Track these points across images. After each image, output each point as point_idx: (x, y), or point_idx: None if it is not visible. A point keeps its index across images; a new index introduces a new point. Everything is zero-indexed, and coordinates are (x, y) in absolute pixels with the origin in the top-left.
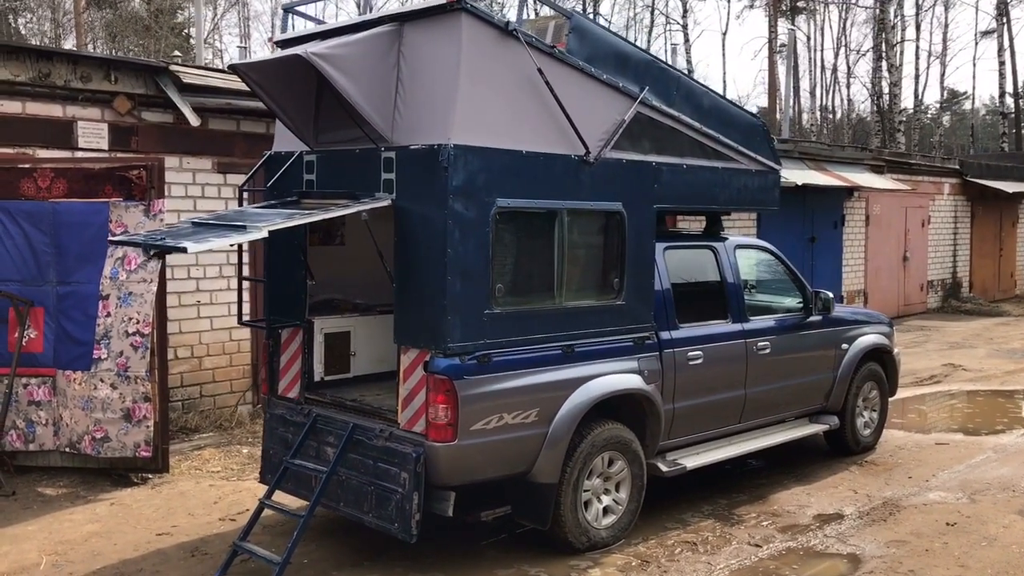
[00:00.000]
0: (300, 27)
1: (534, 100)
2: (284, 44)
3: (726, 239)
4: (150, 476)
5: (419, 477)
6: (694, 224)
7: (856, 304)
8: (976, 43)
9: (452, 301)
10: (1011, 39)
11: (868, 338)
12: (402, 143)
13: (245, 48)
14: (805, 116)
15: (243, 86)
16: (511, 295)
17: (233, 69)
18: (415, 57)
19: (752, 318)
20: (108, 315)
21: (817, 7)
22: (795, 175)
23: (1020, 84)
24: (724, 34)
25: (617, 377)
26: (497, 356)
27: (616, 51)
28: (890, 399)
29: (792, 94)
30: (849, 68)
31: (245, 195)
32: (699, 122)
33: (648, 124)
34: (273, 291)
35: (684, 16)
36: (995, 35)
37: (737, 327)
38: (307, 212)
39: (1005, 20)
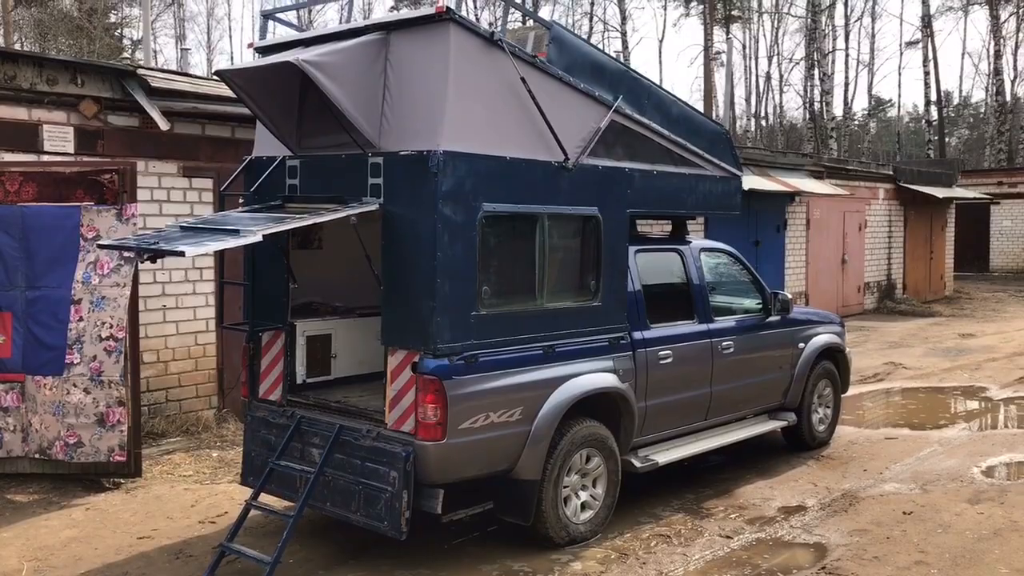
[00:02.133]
0: (280, 33)
1: (517, 108)
2: (264, 51)
3: (691, 242)
4: (123, 481)
5: (409, 475)
6: (650, 229)
7: (799, 305)
8: (901, 53)
9: (441, 303)
10: (934, 50)
11: (822, 337)
12: (390, 149)
13: (187, 51)
14: (740, 123)
15: (209, 90)
16: (496, 297)
17: (220, 75)
18: (402, 65)
19: (716, 318)
20: (81, 320)
21: (751, 16)
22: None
23: (944, 93)
24: (661, 41)
25: (594, 376)
26: (483, 356)
27: (592, 61)
28: (842, 396)
29: (728, 101)
30: (782, 76)
31: (226, 199)
32: (668, 130)
33: (622, 132)
34: (255, 295)
35: (623, 23)
36: (919, 46)
37: (703, 327)
38: (298, 216)
39: (928, 32)
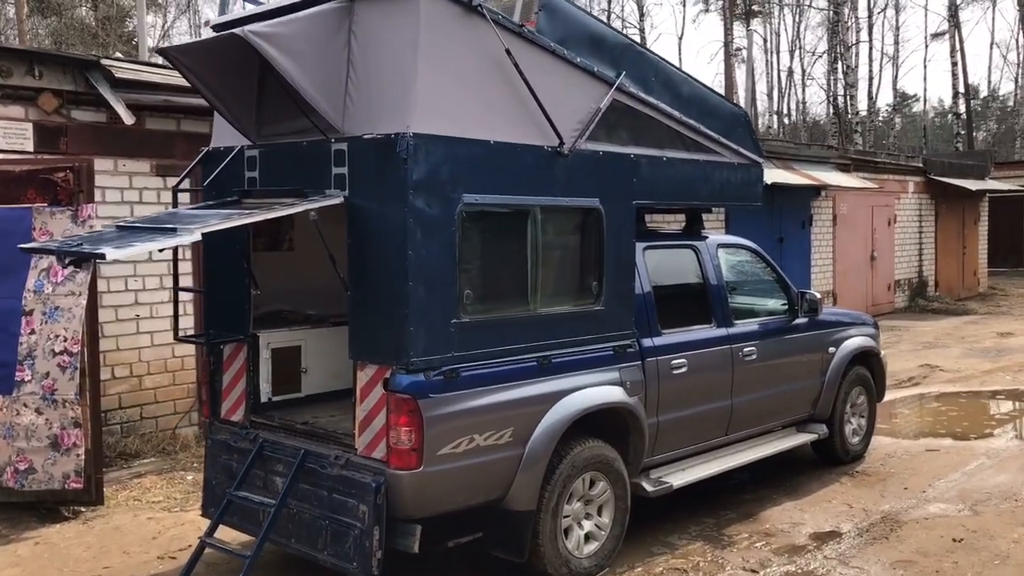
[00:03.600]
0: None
1: (502, 85)
2: (221, 28)
3: (707, 238)
4: (82, 509)
5: (380, 509)
6: (658, 223)
7: (827, 305)
8: (927, 46)
9: (415, 310)
10: (961, 41)
11: (855, 340)
12: (355, 133)
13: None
14: (762, 119)
15: (184, 82)
16: (481, 302)
17: (162, 53)
18: (368, 37)
19: (737, 322)
20: (32, 332)
21: (772, 10)
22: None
23: (971, 87)
24: (680, 38)
25: (598, 390)
26: (466, 370)
27: (590, 32)
28: (877, 404)
29: (750, 97)
30: (804, 70)
31: (183, 196)
32: (679, 111)
33: (625, 113)
34: (213, 302)
35: (641, 20)
36: (946, 37)
37: (722, 332)
38: (246, 212)
39: (955, 22)
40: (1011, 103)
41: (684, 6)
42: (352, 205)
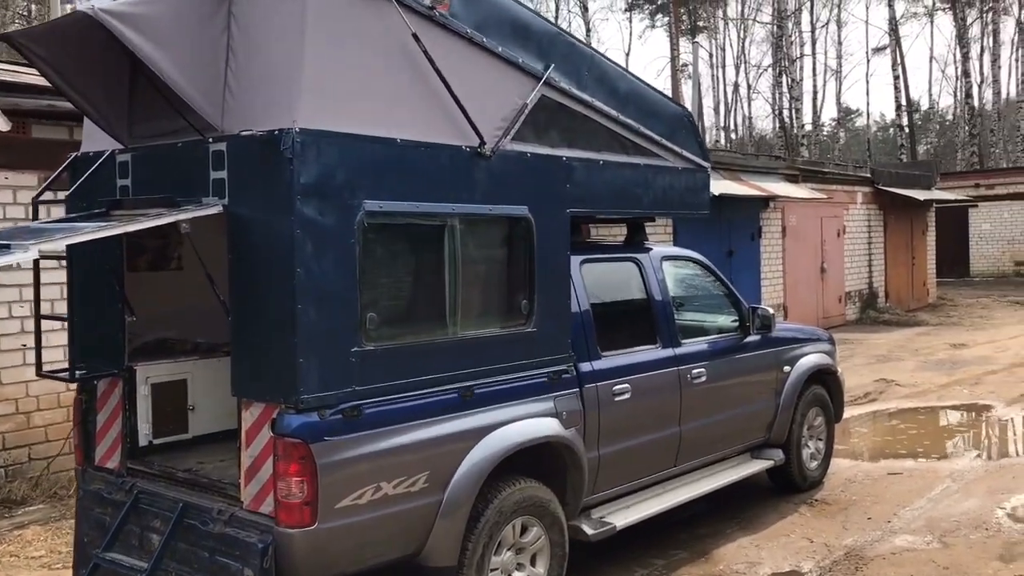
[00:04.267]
0: None
1: (410, 76)
2: None
3: (651, 250)
4: None
5: (267, 575)
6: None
7: (779, 320)
8: (868, 60)
9: (305, 337)
10: (902, 55)
11: (811, 358)
12: (236, 131)
13: None
14: (709, 134)
15: None
16: (388, 326)
17: (7, 40)
18: (250, 20)
19: (684, 341)
20: None
21: (717, 25)
22: (711, 185)
23: (912, 99)
24: (627, 54)
25: (529, 423)
26: (371, 407)
27: (513, 19)
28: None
29: (696, 112)
30: (750, 85)
31: (49, 209)
32: (616, 110)
33: (556, 110)
34: (81, 332)
35: (587, 35)
36: (887, 51)
37: (668, 353)
38: (103, 225)
39: (896, 36)
40: (951, 116)
41: (631, 22)
42: (232, 215)
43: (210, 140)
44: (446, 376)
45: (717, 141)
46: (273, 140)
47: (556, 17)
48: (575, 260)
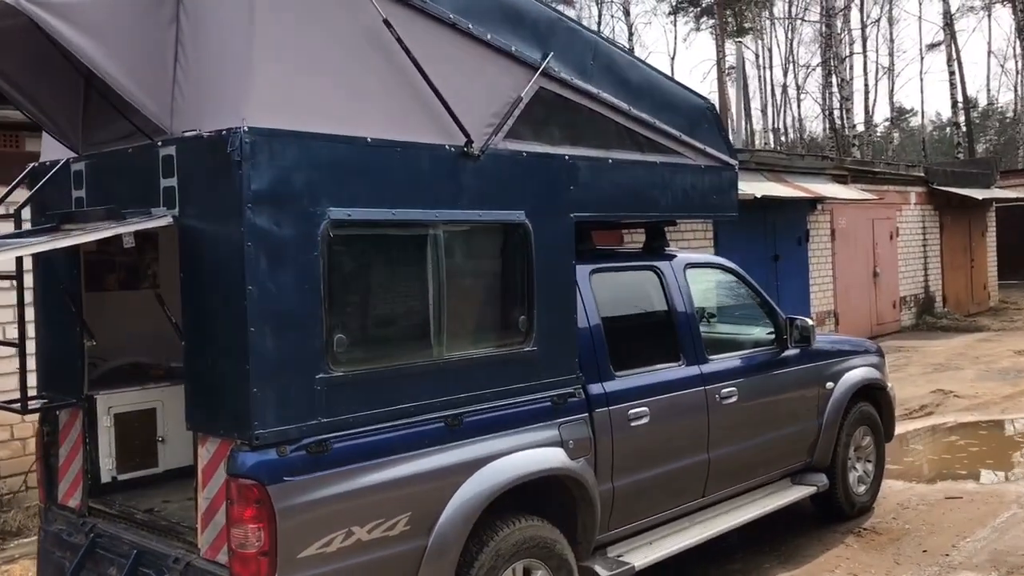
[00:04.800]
0: None
1: (383, 68)
2: None
3: (673, 256)
4: None
5: None
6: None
7: (825, 328)
8: (922, 57)
9: (259, 364)
10: (958, 51)
11: (857, 372)
12: (186, 133)
13: None
14: (757, 137)
15: None
16: (360, 349)
17: None
18: (200, 7)
19: (712, 357)
20: None
21: (763, 26)
22: (753, 187)
23: (969, 96)
24: (672, 58)
25: (528, 455)
26: (340, 442)
27: (503, 2)
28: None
29: (743, 114)
30: (799, 86)
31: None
32: (627, 103)
33: (556, 104)
34: (39, 358)
35: (630, 40)
36: (942, 47)
37: (693, 371)
38: (37, 241)
39: (951, 31)
40: (1011, 113)
41: (675, 25)
42: (183, 227)
43: (159, 144)
44: (430, 403)
45: (766, 143)
46: (220, 141)
47: (599, 23)
48: (583, 270)
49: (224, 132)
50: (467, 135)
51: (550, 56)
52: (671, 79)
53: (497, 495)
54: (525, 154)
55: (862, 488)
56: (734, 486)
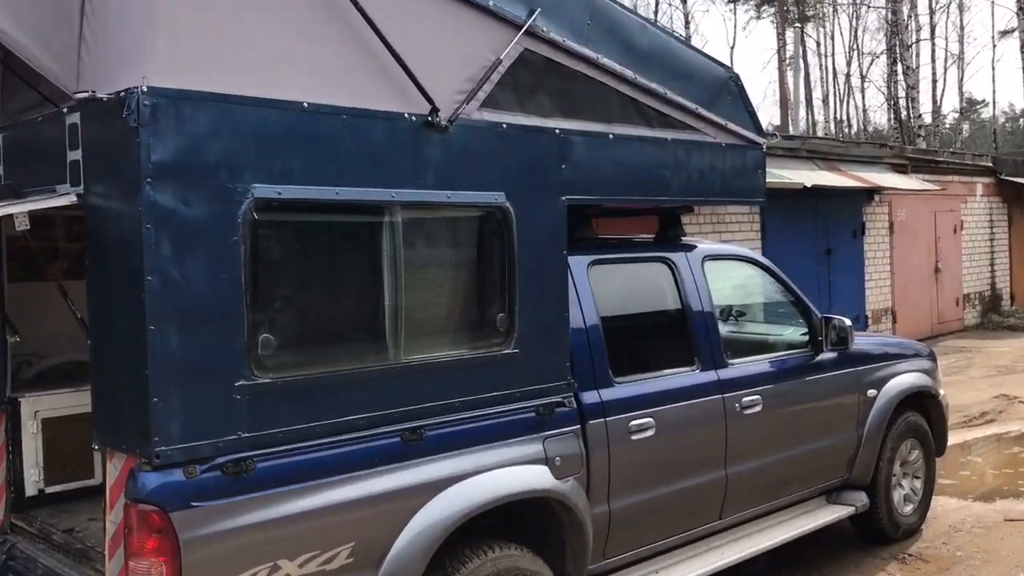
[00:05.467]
0: None
1: (326, 21)
2: None
3: (691, 247)
4: None
5: None
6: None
7: (881, 326)
8: (994, 45)
9: (161, 368)
10: None
11: (904, 378)
12: (78, 95)
13: None
14: (820, 127)
15: None
16: (293, 352)
17: None
18: None
19: (733, 361)
20: None
21: (826, 12)
22: (804, 175)
23: None
24: (732, 47)
25: (503, 474)
26: (267, 460)
27: None
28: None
29: (805, 103)
30: (863, 75)
31: None
32: (633, 70)
33: (546, 69)
34: None
35: (686, 28)
36: (1016, 33)
37: (709, 377)
38: None
39: None
40: None
41: (734, 14)
42: (88, 207)
43: (64, 110)
44: (383, 415)
45: (827, 134)
46: (118, 105)
47: (656, 11)
48: (581, 261)
49: (122, 94)
50: (431, 101)
51: (536, 13)
52: (689, 45)
53: (462, 522)
54: (506, 126)
55: (908, 508)
56: (758, 506)
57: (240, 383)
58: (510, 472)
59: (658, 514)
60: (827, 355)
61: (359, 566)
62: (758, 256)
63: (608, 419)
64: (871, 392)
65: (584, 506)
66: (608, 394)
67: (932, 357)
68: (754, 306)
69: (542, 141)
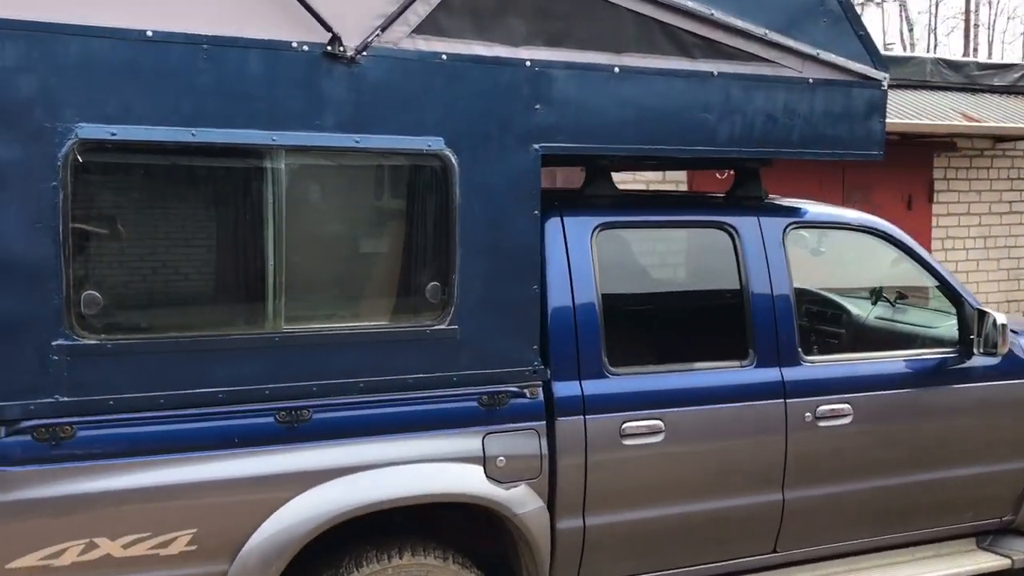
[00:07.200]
0: None
1: None
2: None
3: (770, 210)
4: None
5: None
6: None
7: None
8: None
9: None
10: None
11: None
12: None
13: None
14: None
15: None
16: (129, 312)
17: None
18: None
19: (813, 359)
20: None
21: None
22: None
23: None
24: None
25: (411, 470)
26: (89, 429)
27: None
28: None
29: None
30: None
31: None
32: None
33: None
34: None
35: None
36: None
37: (767, 376)
38: None
39: None
40: None
41: None
42: None
43: None
44: (251, 390)
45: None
46: None
47: None
48: (582, 224)
49: None
50: (328, 28)
51: None
52: None
53: (335, 523)
54: (445, 57)
55: None
56: (848, 540)
57: (58, 343)
58: (418, 469)
59: (667, 538)
60: (982, 360)
61: (204, 555)
62: (883, 223)
63: (589, 417)
64: None
65: (538, 519)
66: (596, 387)
67: None
68: (879, 288)
69: (504, 76)
